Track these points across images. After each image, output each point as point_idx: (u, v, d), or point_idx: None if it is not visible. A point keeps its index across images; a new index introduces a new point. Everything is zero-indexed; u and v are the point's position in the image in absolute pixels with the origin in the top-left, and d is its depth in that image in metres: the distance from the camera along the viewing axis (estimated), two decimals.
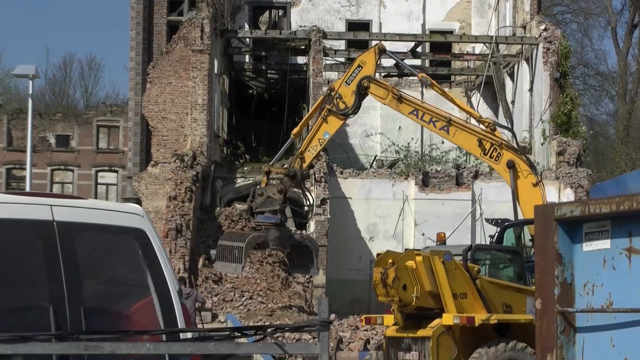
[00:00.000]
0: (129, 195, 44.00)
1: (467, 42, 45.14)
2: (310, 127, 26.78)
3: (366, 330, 28.76)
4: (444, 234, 24.25)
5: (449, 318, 18.69)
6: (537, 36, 41.06)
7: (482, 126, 25.48)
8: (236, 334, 7.78)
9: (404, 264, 18.52)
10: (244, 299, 33.07)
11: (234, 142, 44.90)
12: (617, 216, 6.39)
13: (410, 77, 43.62)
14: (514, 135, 28.39)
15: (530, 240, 23.62)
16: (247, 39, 44.84)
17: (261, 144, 44.31)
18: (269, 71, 47.62)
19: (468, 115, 29.26)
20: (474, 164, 39.29)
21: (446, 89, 33.22)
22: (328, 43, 42.42)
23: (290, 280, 34.64)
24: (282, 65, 45.94)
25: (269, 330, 7.25)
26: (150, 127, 42.07)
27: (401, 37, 42.22)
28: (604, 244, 6.50)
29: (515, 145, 26.22)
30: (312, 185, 36.40)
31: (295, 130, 27.13)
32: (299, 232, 33.42)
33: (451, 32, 45.60)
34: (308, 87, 41.22)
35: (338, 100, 25.56)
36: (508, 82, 44.81)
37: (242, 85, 47.17)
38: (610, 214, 6.39)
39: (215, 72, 40.96)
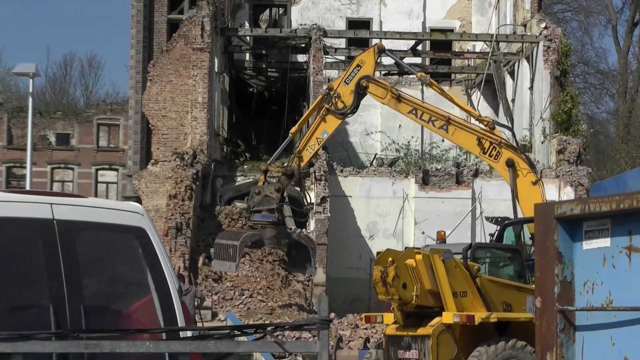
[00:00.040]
0: (129, 194, 43.95)
1: (467, 40, 45.14)
2: (309, 126, 26.77)
3: (366, 328, 28.76)
4: (444, 232, 24.24)
5: (448, 316, 18.68)
6: (537, 34, 41.03)
7: (481, 125, 25.48)
8: (236, 332, 7.77)
9: (403, 263, 18.51)
10: (243, 297, 33.08)
11: (234, 141, 44.88)
12: (617, 214, 6.38)
13: (411, 76, 43.57)
14: (513, 134, 28.40)
15: (530, 238, 23.61)
16: (248, 37, 44.81)
17: (261, 142, 44.30)
18: (269, 69, 47.58)
19: (468, 114, 29.24)
20: (474, 163, 39.24)
21: (446, 88, 33.23)
22: (328, 41, 42.40)
23: (290, 279, 34.62)
24: (283, 64, 45.89)
25: (268, 328, 7.23)
26: (150, 126, 42.04)
27: (401, 35, 42.19)
28: (604, 242, 6.50)
29: (515, 144, 26.21)
30: (312, 184, 36.39)
31: (293, 129, 27.10)
32: (298, 230, 33.39)
33: (451, 31, 45.58)
34: (308, 85, 41.19)
35: (337, 99, 25.54)
36: (508, 80, 44.78)
37: (242, 83, 47.13)
38: (610, 212, 6.39)
39: (216, 70, 40.94)
